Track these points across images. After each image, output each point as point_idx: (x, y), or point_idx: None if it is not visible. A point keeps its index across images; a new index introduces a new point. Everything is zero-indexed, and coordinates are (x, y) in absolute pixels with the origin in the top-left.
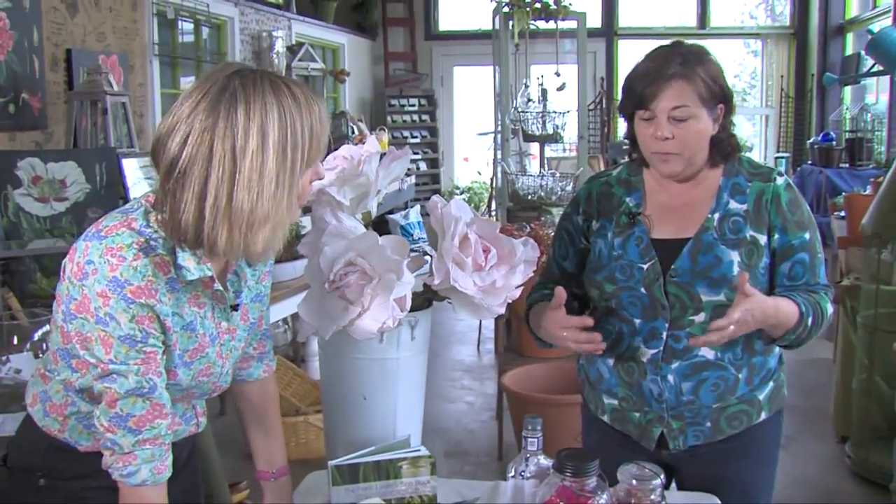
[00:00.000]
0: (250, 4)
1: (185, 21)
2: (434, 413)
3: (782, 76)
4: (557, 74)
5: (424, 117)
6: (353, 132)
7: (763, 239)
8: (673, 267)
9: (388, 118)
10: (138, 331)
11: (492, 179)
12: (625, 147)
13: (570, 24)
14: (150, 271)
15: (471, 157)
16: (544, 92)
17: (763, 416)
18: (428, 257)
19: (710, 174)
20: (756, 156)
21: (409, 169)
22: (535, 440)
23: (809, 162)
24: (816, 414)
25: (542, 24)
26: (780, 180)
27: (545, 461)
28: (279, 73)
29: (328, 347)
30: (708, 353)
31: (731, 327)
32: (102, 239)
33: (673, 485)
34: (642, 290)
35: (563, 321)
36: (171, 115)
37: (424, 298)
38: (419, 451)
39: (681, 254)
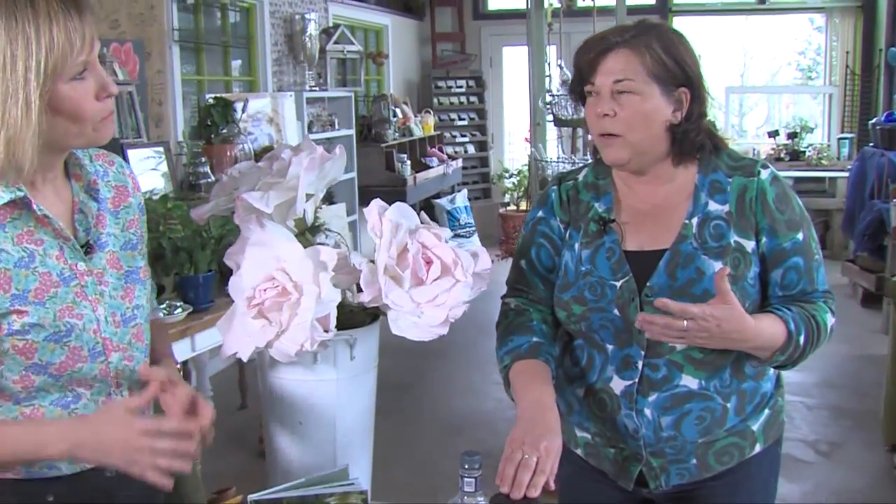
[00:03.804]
0: None
1: (210, 6)
2: (460, 409)
3: (847, 52)
4: None
5: (472, 99)
6: (395, 115)
7: (750, 245)
8: (648, 284)
9: (435, 100)
10: None
11: (528, 166)
12: None
13: (609, 2)
14: None
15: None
16: None
17: (757, 448)
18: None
19: (682, 171)
20: (818, 137)
21: (455, 152)
22: (473, 480)
23: (871, 144)
24: (868, 418)
25: (580, 2)
26: (764, 174)
27: (484, 502)
28: None
29: (263, 367)
30: (691, 383)
31: (685, 323)
32: None
33: None
34: (615, 311)
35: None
36: None
37: (368, 313)
38: (352, 484)
39: (657, 268)
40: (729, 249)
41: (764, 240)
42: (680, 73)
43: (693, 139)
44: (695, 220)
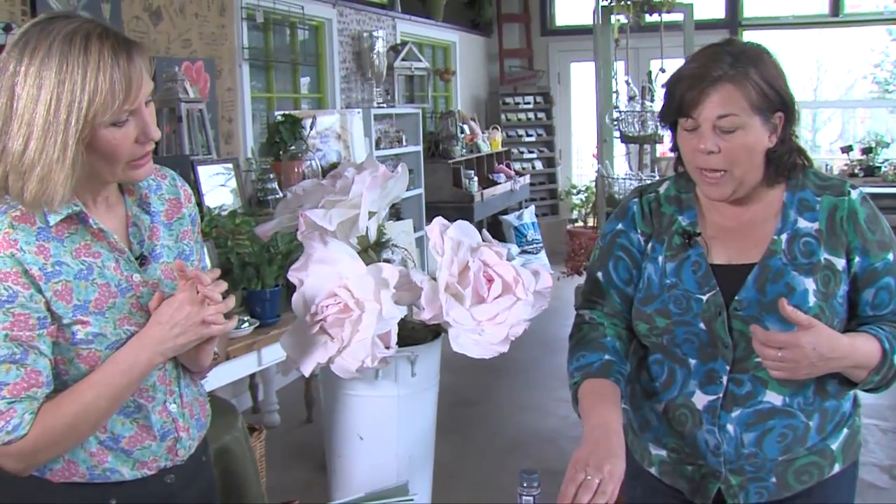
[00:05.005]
0: (349, 5)
1: (280, 25)
2: (524, 427)
3: None
4: (662, 70)
5: (540, 115)
6: (462, 132)
7: (841, 263)
8: (737, 298)
9: (503, 116)
10: (3, 289)
11: (595, 182)
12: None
13: (677, 17)
14: (5, 224)
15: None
16: (644, 90)
17: (836, 468)
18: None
19: (770, 191)
20: (895, 152)
21: (523, 168)
22: (531, 498)
23: None
24: None
25: (648, 18)
26: (854, 194)
27: None
28: (104, 24)
29: (326, 382)
30: (775, 399)
31: (779, 353)
32: None
33: None
34: (701, 325)
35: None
36: None
37: (430, 330)
38: (412, 499)
39: (745, 283)
40: (819, 266)
41: (857, 259)
42: (777, 99)
43: (787, 161)
44: (784, 237)
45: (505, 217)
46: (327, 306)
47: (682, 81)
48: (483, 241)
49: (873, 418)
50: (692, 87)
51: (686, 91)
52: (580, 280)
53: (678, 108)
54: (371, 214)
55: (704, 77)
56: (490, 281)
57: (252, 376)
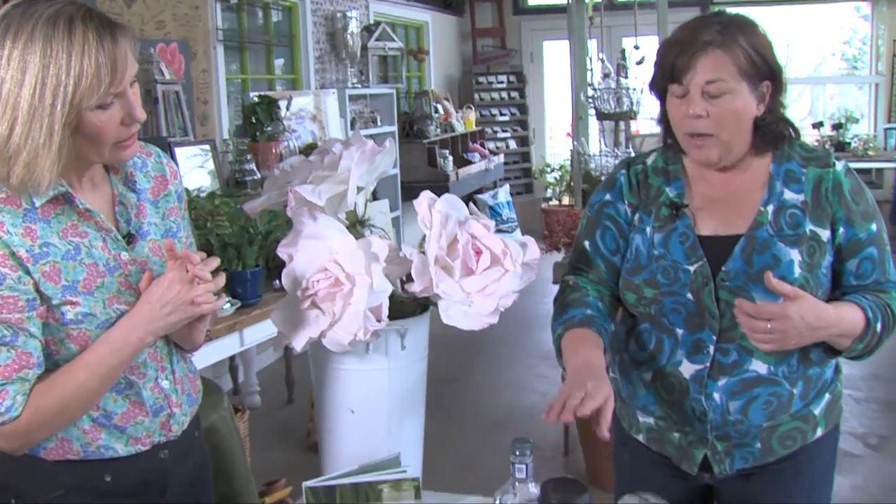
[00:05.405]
0: None
1: (253, 6)
2: (503, 403)
3: (894, 40)
4: (636, 48)
5: (514, 94)
6: (436, 111)
7: (825, 234)
8: (724, 269)
9: (476, 96)
10: None
11: (571, 159)
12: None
13: None
14: None
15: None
16: (618, 67)
17: (819, 432)
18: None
19: (757, 160)
20: (864, 127)
21: (497, 147)
22: (524, 466)
23: None
24: None
25: None
26: (839, 165)
27: (535, 489)
28: (86, 5)
29: (316, 357)
30: (760, 368)
31: (768, 324)
32: None
33: None
34: (688, 295)
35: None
36: None
37: (418, 304)
38: (404, 472)
39: (732, 254)
40: (805, 238)
41: (841, 230)
42: (765, 67)
43: (774, 130)
44: (770, 208)
45: (480, 196)
46: (318, 281)
47: (672, 48)
48: (470, 214)
49: (848, 388)
50: (682, 52)
51: (676, 57)
52: (558, 257)
53: (668, 74)
54: (359, 190)
55: (693, 43)
56: (478, 253)
57: (232, 358)
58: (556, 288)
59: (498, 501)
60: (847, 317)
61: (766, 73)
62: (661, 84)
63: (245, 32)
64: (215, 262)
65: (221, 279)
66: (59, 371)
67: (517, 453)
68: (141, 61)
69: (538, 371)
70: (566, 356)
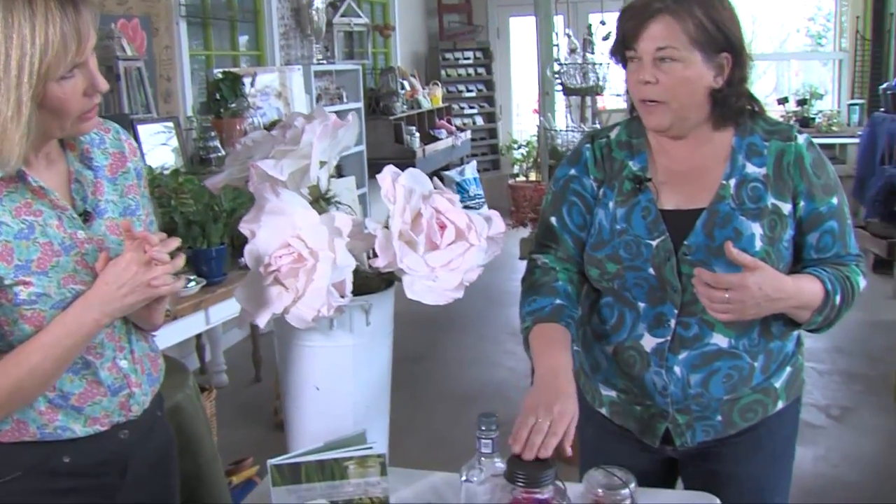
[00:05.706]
0: None
1: None
2: (472, 379)
3: (858, 17)
4: (602, 23)
5: (480, 70)
6: (403, 88)
7: (787, 207)
8: (686, 243)
9: (443, 72)
10: None
11: (538, 135)
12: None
13: None
14: None
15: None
16: (586, 42)
17: (780, 405)
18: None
19: (718, 134)
20: (828, 103)
21: (464, 124)
22: (490, 441)
23: (882, 109)
24: (879, 383)
25: None
26: (801, 139)
27: (501, 464)
28: None
29: (281, 334)
30: (721, 342)
31: (726, 294)
32: None
33: (679, 483)
34: (650, 270)
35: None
36: None
37: (382, 279)
38: (370, 448)
39: (694, 227)
40: (766, 211)
41: (802, 203)
42: (722, 39)
43: (734, 104)
44: (732, 182)
45: (447, 173)
46: (281, 256)
47: (626, 14)
48: (434, 188)
49: (811, 361)
50: (633, 18)
51: (629, 23)
52: (524, 233)
53: (623, 40)
54: (322, 164)
55: (646, 9)
56: (443, 228)
57: (199, 337)
58: (523, 264)
59: (464, 477)
60: (806, 289)
61: (723, 44)
62: (620, 50)
63: (209, 8)
64: (175, 242)
65: (180, 261)
66: (12, 352)
67: (483, 428)
68: (101, 37)
69: (506, 347)
70: (534, 355)
